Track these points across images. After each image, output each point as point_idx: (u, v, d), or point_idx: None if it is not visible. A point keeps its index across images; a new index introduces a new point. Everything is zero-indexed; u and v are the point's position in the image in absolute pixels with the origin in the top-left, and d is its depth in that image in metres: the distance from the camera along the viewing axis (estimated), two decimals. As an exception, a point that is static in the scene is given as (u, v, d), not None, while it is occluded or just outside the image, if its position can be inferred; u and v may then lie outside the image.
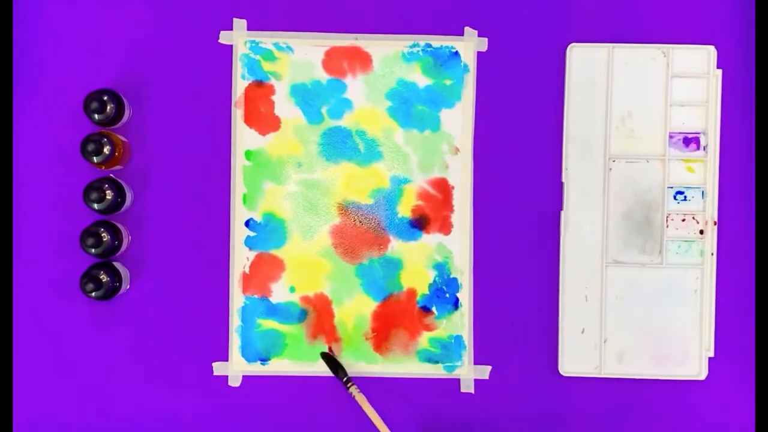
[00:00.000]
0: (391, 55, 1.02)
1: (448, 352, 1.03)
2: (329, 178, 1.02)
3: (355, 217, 1.03)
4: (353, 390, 0.99)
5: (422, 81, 1.02)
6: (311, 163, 1.02)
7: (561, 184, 1.02)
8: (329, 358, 1.01)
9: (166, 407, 1.02)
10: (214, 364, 1.02)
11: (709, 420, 1.03)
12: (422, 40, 1.02)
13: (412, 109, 1.02)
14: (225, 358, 1.02)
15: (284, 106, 1.02)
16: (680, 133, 1.02)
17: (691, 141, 1.02)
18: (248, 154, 1.02)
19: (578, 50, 1.02)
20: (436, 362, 1.03)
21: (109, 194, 0.98)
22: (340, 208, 1.03)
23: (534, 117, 1.03)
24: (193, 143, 1.02)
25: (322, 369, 1.02)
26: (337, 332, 1.02)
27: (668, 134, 1.02)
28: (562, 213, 1.02)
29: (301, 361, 1.02)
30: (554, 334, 1.02)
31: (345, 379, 0.99)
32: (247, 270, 1.02)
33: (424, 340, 1.03)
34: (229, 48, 1.02)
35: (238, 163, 1.02)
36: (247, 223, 1.02)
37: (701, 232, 1.02)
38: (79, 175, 1.01)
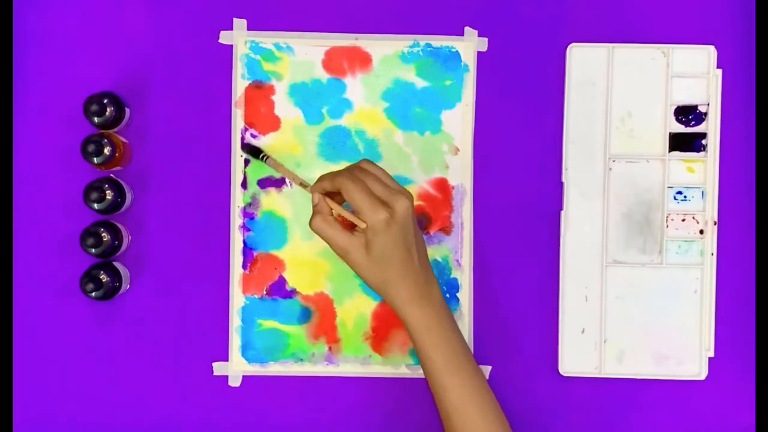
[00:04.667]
0: (391, 55, 1.03)
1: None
2: (329, 178, 1.02)
3: (355, 217, 1.02)
4: (270, 161, 0.99)
5: (420, 83, 1.02)
6: (310, 163, 1.02)
7: (561, 184, 1.02)
8: (248, 147, 1.01)
9: (166, 407, 1.02)
10: (214, 364, 1.02)
11: (709, 420, 1.03)
12: (422, 40, 1.02)
13: (409, 111, 1.02)
14: (225, 358, 1.02)
15: (284, 106, 1.02)
16: (680, 132, 1.02)
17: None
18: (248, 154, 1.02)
19: (578, 50, 1.02)
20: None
21: (109, 194, 0.98)
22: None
23: (534, 117, 1.03)
24: (193, 143, 1.02)
25: (322, 369, 1.02)
26: (338, 332, 1.03)
27: (668, 134, 1.02)
28: (562, 213, 1.02)
29: (301, 362, 1.02)
30: (554, 334, 1.02)
31: (262, 155, 1.00)
32: (247, 270, 1.02)
33: (423, 340, 1.02)
34: (229, 48, 1.02)
35: (238, 163, 1.02)
36: (247, 223, 1.02)
37: (701, 232, 1.02)
38: (80, 176, 1.01)
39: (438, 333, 0.92)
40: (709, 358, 1.02)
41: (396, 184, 0.91)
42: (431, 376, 0.93)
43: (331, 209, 0.91)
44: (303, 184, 0.96)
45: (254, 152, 1.01)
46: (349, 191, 0.88)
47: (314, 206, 0.91)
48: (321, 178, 0.92)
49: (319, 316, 1.02)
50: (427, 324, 0.92)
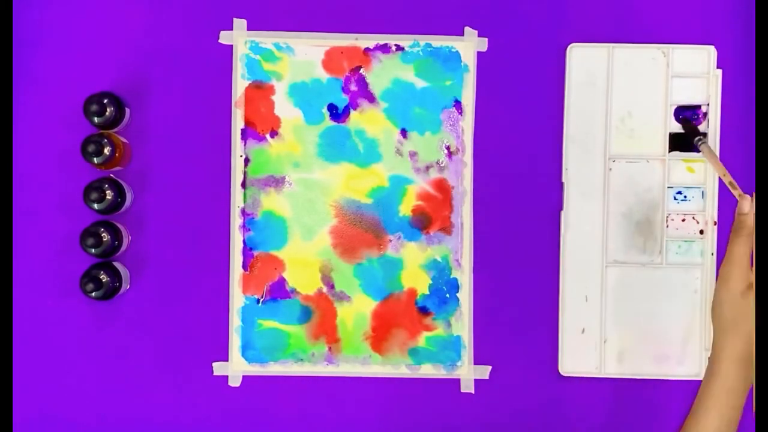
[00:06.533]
0: (391, 55, 1.03)
1: (446, 352, 1.03)
2: (328, 178, 1.02)
3: (354, 217, 1.03)
4: (704, 148, 0.96)
5: (419, 83, 1.02)
6: (309, 163, 1.02)
7: (561, 184, 1.02)
8: (688, 123, 0.99)
9: (166, 407, 1.02)
10: (214, 364, 1.02)
11: (709, 420, 1.03)
12: (422, 40, 1.03)
13: (409, 111, 1.02)
14: (225, 358, 1.02)
15: (284, 106, 1.03)
16: (680, 132, 1.02)
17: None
18: (248, 154, 1.02)
19: (578, 50, 1.02)
20: (436, 362, 1.03)
21: (109, 194, 0.98)
22: (339, 208, 1.03)
23: (534, 117, 1.03)
24: (193, 143, 1.02)
25: (322, 369, 1.02)
26: (338, 332, 1.03)
27: (668, 134, 1.02)
28: (562, 213, 1.02)
29: (301, 362, 1.02)
30: (554, 334, 1.02)
31: (698, 139, 0.97)
32: (247, 270, 1.02)
33: (422, 339, 1.03)
34: (229, 48, 1.02)
35: (238, 162, 1.02)
36: (247, 223, 1.02)
37: (701, 232, 1.02)
38: (80, 176, 1.01)
39: (731, 404, 0.89)
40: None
41: None
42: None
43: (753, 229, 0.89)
44: (732, 185, 0.93)
45: (691, 130, 0.99)
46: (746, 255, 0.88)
47: (743, 214, 0.89)
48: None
49: (319, 316, 1.03)
50: (731, 389, 0.89)
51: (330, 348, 1.03)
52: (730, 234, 0.89)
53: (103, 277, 0.98)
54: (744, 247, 0.88)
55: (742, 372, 0.89)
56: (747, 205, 0.89)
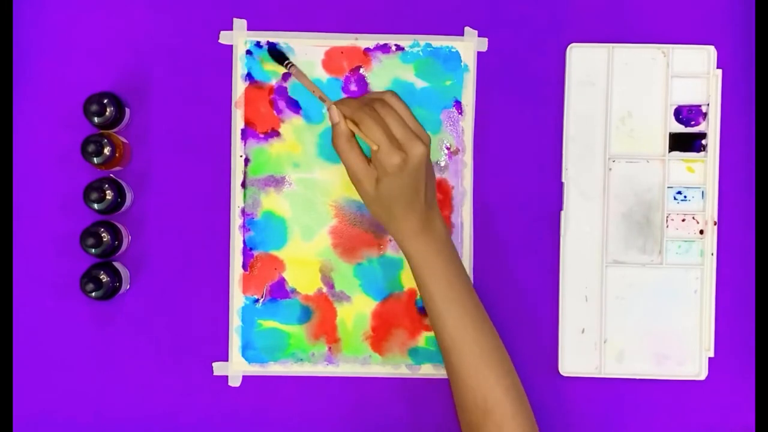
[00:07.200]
0: (391, 55, 1.03)
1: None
2: (328, 178, 1.02)
3: (354, 217, 1.03)
4: (293, 70, 0.96)
5: (419, 83, 1.02)
6: (309, 163, 1.02)
7: (561, 184, 1.02)
8: (275, 51, 1.00)
9: (166, 407, 1.02)
10: (214, 364, 1.02)
11: (709, 420, 1.03)
12: (422, 40, 1.03)
13: (409, 111, 1.02)
14: (225, 358, 1.02)
15: (284, 106, 1.02)
16: (680, 132, 1.02)
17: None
18: (248, 154, 1.02)
19: (578, 50, 1.02)
20: (436, 362, 1.02)
21: (109, 194, 0.98)
22: (339, 208, 1.03)
23: (534, 117, 1.03)
24: (193, 143, 1.02)
25: (322, 369, 1.02)
26: (338, 332, 1.03)
27: (668, 134, 1.02)
28: (562, 213, 1.02)
29: (301, 362, 1.02)
30: (554, 334, 1.02)
31: (287, 63, 0.97)
32: (247, 270, 1.02)
33: (422, 339, 1.03)
34: (229, 48, 1.02)
35: (238, 162, 1.02)
36: (247, 223, 1.02)
37: (701, 232, 1.02)
38: (80, 176, 1.01)
39: (436, 265, 0.93)
40: (709, 358, 1.02)
41: (416, 123, 0.90)
42: (430, 309, 0.93)
43: (352, 132, 0.90)
44: (322, 98, 0.93)
45: (279, 58, 0.98)
46: (368, 128, 0.87)
47: (335, 124, 0.90)
48: (343, 103, 0.90)
49: (319, 315, 1.03)
50: (426, 257, 0.93)
51: (330, 348, 1.03)
52: (334, 146, 0.90)
53: (103, 277, 0.98)
54: (351, 151, 0.89)
55: (424, 242, 0.92)
56: (336, 115, 0.90)
